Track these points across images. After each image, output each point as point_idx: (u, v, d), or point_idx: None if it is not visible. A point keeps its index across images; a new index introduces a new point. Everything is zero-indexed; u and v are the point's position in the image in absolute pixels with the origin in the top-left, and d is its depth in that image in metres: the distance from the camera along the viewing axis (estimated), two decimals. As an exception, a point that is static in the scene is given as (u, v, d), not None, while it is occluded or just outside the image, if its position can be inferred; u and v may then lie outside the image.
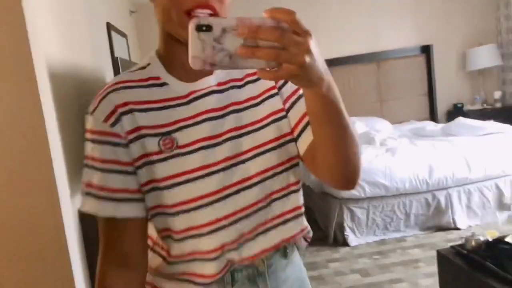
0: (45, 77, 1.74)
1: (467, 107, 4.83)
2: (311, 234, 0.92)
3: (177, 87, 0.80)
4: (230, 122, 0.81)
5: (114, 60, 3.05)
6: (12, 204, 1.68)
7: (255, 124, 0.82)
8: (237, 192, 0.80)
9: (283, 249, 0.87)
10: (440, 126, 4.20)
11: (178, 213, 0.78)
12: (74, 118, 2.07)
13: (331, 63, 4.67)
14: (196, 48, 0.57)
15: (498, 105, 4.73)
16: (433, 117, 4.89)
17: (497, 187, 3.34)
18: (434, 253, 2.17)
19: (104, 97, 0.78)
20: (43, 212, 1.71)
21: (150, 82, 0.81)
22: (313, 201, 3.69)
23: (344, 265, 2.92)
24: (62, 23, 2.12)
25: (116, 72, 2.96)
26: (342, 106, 0.69)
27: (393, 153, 3.37)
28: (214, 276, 0.80)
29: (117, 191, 0.78)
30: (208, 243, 0.79)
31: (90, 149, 0.81)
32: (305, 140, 0.81)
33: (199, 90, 0.81)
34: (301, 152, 0.83)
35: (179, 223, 0.79)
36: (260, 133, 0.82)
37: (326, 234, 3.40)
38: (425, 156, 3.30)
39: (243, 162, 0.81)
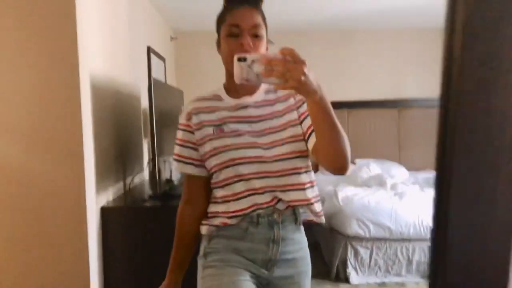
0: (87, 86, 1.98)
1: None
2: (318, 220, 1.32)
3: (228, 101, 1.33)
4: (259, 125, 1.28)
5: (150, 81, 3.33)
6: (47, 195, 1.90)
7: (277, 127, 1.28)
8: (265, 162, 1.25)
9: (292, 210, 1.28)
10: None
11: (227, 166, 1.25)
12: (107, 125, 2.30)
13: (353, 105, 4.85)
14: (237, 70, 1.01)
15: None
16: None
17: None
18: (426, 296, 2.24)
19: (186, 106, 1.36)
20: (72, 206, 1.92)
21: (213, 97, 1.35)
22: (322, 236, 3.78)
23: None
24: (107, 42, 2.39)
25: (150, 91, 3.22)
26: (332, 112, 1.08)
27: (401, 197, 3.46)
28: (243, 210, 1.25)
29: (187, 158, 1.33)
30: (242, 186, 1.26)
31: (178, 134, 1.36)
32: (311, 141, 1.21)
33: (241, 104, 1.32)
34: (310, 148, 1.23)
35: (230, 172, 1.26)
36: (279, 133, 1.27)
37: (329, 269, 3.48)
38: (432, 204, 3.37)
39: (263, 149, 1.25)
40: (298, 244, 1.33)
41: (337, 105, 4.69)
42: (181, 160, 1.34)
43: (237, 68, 1.01)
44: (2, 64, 1.85)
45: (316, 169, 1.57)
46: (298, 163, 1.27)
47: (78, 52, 1.87)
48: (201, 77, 4.67)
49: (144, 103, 3.15)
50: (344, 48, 4.93)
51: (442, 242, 0.63)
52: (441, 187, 0.64)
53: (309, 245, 1.38)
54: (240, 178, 1.25)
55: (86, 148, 1.95)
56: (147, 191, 2.55)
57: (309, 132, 1.23)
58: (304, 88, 0.98)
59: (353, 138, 4.81)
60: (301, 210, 1.30)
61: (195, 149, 1.32)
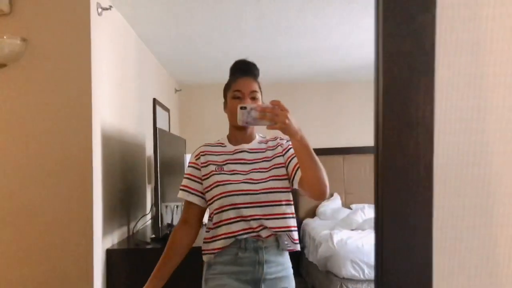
0: (98, 135, 2.20)
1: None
2: (294, 247, 1.59)
3: (229, 147, 1.66)
4: (251, 166, 1.60)
5: (155, 130, 3.56)
6: (56, 235, 2.08)
7: (265, 168, 1.60)
8: (258, 193, 1.54)
9: (274, 238, 1.55)
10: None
11: (224, 196, 1.54)
12: (114, 172, 2.50)
13: (348, 151, 5.09)
14: (239, 116, 1.41)
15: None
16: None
17: None
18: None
19: (198, 148, 1.69)
20: (80, 247, 2.09)
21: (218, 144, 1.69)
22: (318, 279, 3.88)
23: None
24: (115, 93, 2.64)
25: (155, 140, 3.46)
26: (311, 149, 1.41)
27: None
28: (234, 232, 1.52)
29: (192, 189, 1.63)
30: (234, 213, 1.53)
31: (187, 170, 1.68)
32: (297, 176, 1.52)
33: (238, 149, 1.65)
34: (296, 182, 1.52)
35: (226, 202, 1.54)
36: (266, 172, 1.59)
37: (326, 312, 3.55)
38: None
39: (253, 183, 1.56)
40: (281, 266, 1.59)
41: (333, 151, 4.97)
42: (187, 190, 1.65)
43: (240, 114, 1.42)
44: (25, 111, 2.09)
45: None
46: (280, 196, 1.56)
47: (91, 104, 2.11)
48: (203, 126, 4.94)
49: (149, 151, 3.38)
50: (338, 97, 5.21)
51: (379, 263, 0.81)
52: (377, 217, 0.83)
53: None
54: (233, 207, 1.54)
55: (95, 192, 2.14)
56: (149, 234, 2.71)
57: (294, 170, 1.54)
58: (288, 129, 1.34)
59: (349, 183, 5.05)
60: (284, 238, 1.57)
61: (200, 183, 1.64)
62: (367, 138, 5.16)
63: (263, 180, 1.57)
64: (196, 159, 1.66)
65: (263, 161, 1.62)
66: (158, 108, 3.64)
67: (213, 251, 1.56)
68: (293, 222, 1.58)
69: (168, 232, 2.51)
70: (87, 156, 2.09)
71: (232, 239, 1.53)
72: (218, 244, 1.54)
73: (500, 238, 0.84)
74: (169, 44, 3.55)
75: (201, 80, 4.82)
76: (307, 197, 1.67)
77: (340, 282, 3.43)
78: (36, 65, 2.09)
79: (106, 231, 2.32)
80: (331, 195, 5.03)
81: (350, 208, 4.80)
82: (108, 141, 2.37)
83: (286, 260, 1.61)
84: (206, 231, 1.63)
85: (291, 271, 1.63)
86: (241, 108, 1.41)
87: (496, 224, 0.84)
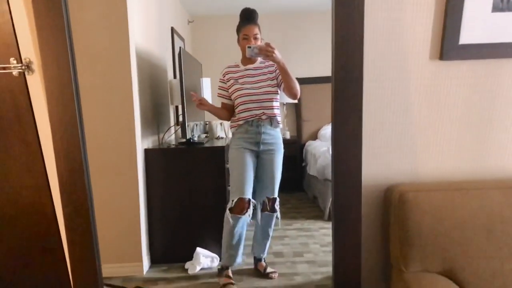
0: (134, 56, 2.69)
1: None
2: (279, 126, 2.68)
3: (241, 67, 2.70)
4: (256, 78, 2.63)
5: (174, 56, 4.03)
6: (110, 139, 2.64)
7: (263, 79, 2.62)
8: (259, 94, 2.60)
9: (269, 120, 2.62)
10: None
11: (240, 97, 2.62)
12: (146, 90, 3.03)
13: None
14: (248, 52, 2.38)
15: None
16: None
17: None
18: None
19: (224, 69, 2.74)
20: (127, 145, 2.66)
21: (235, 66, 2.73)
22: (317, 188, 4.50)
23: (331, 231, 3.72)
24: (142, 19, 3.09)
25: (174, 63, 3.93)
26: (288, 71, 2.45)
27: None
28: (246, 117, 2.62)
29: (223, 95, 2.75)
30: (246, 106, 2.62)
31: (219, 83, 2.76)
32: (282, 85, 2.55)
33: (247, 68, 2.68)
34: (281, 88, 2.57)
35: (241, 99, 2.62)
36: (264, 81, 2.62)
37: (323, 212, 4.20)
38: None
39: (256, 88, 2.60)
40: (272, 136, 2.66)
41: (322, 79, 5.43)
42: (221, 96, 2.75)
43: (248, 50, 2.36)
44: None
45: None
46: (272, 95, 2.61)
47: (128, 27, 2.58)
48: (215, 55, 5.37)
49: (170, 75, 3.87)
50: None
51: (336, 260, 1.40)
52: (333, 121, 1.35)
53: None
54: (245, 102, 2.61)
55: (135, 103, 2.68)
56: (175, 143, 3.28)
57: (280, 82, 2.56)
58: (275, 59, 2.33)
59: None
60: (275, 120, 2.64)
61: (226, 90, 2.71)
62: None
63: (263, 87, 2.60)
64: (223, 76, 2.72)
65: (261, 74, 2.64)
66: (175, 36, 4.09)
67: (235, 126, 2.67)
68: (278, 112, 2.67)
69: (191, 136, 3.08)
70: (127, 72, 2.60)
71: (244, 121, 2.62)
72: (238, 122, 2.64)
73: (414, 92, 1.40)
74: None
75: (212, 12, 5.19)
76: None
77: (335, 186, 4.04)
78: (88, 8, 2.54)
79: (143, 135, 2.88)
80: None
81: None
82: (140, 62, 2.86)
83: (276, 133, 2.68)
84: (233, 116, 2.72)
85: (280, 140, 2.71)
86: (248, 47, 2.35)
87: (407, 77, 1.40)
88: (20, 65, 1.45)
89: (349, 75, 1.26)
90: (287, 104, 5.55)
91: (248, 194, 2.55)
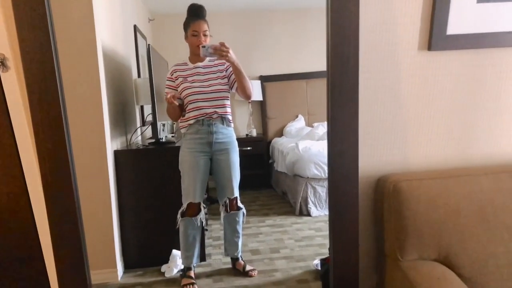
0: (101, 55, 2.58)
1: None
2: (231, 125, 2.63)
3: (190, 65, 2.61)
4: (206, 76, 2.55)
5: (137, 54, 3.90)
6: (78, 140, 2.51)
7: (213, 77, 2.56)
8: (209, 92, 2.52)
9: (221, 119, 2.55)
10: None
11: (189, 95, 2.53)
12: (113, 89, 2.91)
13: (311, 75, 5.56)
14: (202, 52, 2.29)
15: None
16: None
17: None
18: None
19: (171, 67, 2.63)
20: (97, 147, 2.54)
21: (183, 64, 2.63)
22: (287, 184, 4.52)
23: (304, 226, 3.74)
24: (109, 17, 2.97)
25: (138, 62, 3.81)
26: (242, 70, 2.43)
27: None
28: (196, 116, 2.53)
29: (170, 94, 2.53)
30: (195, 105, 2.53)
31: (167, 82, 2.63)
32: (235, 86, 2.54)
33: (196, 66, 2.59)
34: (234, 88, 2.56)
35: (190, 98, 2.52)
36: (214, 80, 2.55)
37: (294, 208, 4.22)
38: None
39: (205, 87, 2.52)
40: (225, 134, 2.58)
41: (297, 76, 5.46)
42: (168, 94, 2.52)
43: (202, 50, 2.27)
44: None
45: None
46: (223, 94, 2.55)
47: (95, 25, 2.46)
48: (176, 53, 5.24)
49: (134, 74, 3.75)
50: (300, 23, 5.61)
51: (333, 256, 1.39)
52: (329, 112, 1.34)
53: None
54: (195, 101, 2.52)
55: (104, 105, 2.56)
56: (142, 143, 3.18)
57: (233, 82, 2.54)
58: (229, 59, 2.30)
59: (311, 105, 5.62)
60: (226, 119, 2.58)
61: (175, 89, 2.59)
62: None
63: (213, 85, 2.53)
64: (171, 75, 2.61)
65: (211, 72, 2.57)
66: (138, 34, 3.97)
67: (185, 126, 2.57)
68: (230, 110, 2.62)
69: (159, 137, 2.99)
70: (95, 71, 2.48)
71: (195, 120, 2.53)
72: (188, 122, 2.55)
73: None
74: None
75: (173, 10, 5.08)
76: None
77: (305, 182, 4.07)
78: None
79: (112, 136, 2.77)
80: (296, 116, 5.59)
81: (312, 126, 5.40)
82: (107, 60, 2.74)
83: (229, 131, 2.61)
84: (182, 115, 2.61)
85: (233, 138, 2.64)
86: (202, 46, 2.26)
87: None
88: (-10, 62, 1.33)
89: (345, 66, 1.26)
90: (252, 102, 5.53)
91: (199, 198, 2.57)
